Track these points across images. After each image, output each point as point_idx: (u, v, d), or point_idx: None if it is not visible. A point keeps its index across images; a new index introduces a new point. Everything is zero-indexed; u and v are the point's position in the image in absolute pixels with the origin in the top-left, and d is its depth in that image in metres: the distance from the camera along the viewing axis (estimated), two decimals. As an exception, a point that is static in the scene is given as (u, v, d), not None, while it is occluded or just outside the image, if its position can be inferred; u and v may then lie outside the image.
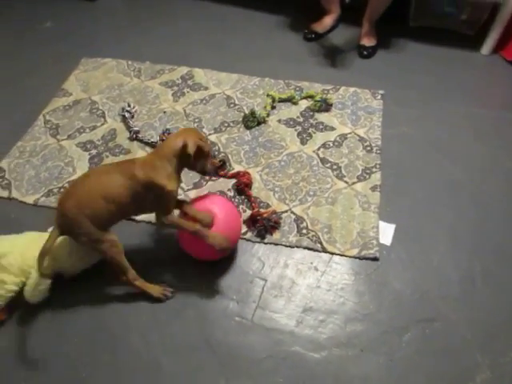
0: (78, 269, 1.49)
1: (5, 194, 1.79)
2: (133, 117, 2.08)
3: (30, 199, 1.76)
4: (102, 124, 2.07)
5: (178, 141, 1.34)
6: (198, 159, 1.39)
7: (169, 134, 1.94)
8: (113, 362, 1.37)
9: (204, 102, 2.17)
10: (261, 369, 1.36)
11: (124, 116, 2.06)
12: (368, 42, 2.44)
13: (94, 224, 1.32)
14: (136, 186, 1.33)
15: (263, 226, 1.63)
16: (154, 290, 1.47)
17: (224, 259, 1.58)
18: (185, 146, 1.33)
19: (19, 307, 1.44)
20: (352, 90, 2.21)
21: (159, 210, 1.39)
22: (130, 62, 2.39)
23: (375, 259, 1.59)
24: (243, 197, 1.77)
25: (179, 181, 1.41)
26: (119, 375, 1.35)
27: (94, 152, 1.94)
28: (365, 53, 2.42)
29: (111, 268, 1.42)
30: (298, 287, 1.53)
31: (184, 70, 2.34)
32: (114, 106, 2.15)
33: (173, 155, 1.34)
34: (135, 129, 1.99)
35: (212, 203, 1.47)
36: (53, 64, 2.40)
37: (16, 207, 1.74)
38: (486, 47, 2.42)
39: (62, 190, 1.79)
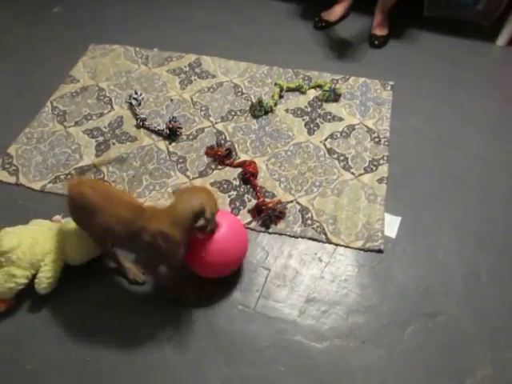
0: (84, 260, 1.51)
1: (12, 179, 1.80)
2: (140, 104, 2.07)
3: (36, 185, 1.78)
4: (109, 111, 2.07)
5: (194, 208, 1.24)
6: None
7: (175, 122, 1.93)
8: (116, 348, 1.39)
9: (211, 90, 2.15)
10: (263, 357, 1.37)
11: (131, 103, 2.05)
12: (380, 31, 2.40)
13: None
14: (141, 236, 1.25)
15: (268, 215, 1.63)
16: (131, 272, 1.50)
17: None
18: (204, 225, 1.25)
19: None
20: (362, 80, 2.18)
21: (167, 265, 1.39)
22: (137, 49, 2.37)
23: (380, 251, 1.58)
24: (248, 186, 1.76)
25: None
26: (122, 360, 1.37)
27: (100, 139, 1.95)
28: (376, 42, 2.38)
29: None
30: (302, 277, 1.53)
31: (192, 57, 2.32)
32: (122, 93, 2.15)
33: (185, 221, 1.24)
34: (142, 116, 1.99)
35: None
36: (60, 50, 2.39)
37: (23, 193, 1.76)
38: (502, 38, 2.37)
39: (68, 176, 1.80)
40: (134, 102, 2.05)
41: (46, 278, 1.42)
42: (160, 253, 1.26)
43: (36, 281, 1.43)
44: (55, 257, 1.45)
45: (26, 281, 1.42)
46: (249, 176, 1.76)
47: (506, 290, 1.50)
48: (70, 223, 1.49)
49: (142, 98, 2.11)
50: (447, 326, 1.43)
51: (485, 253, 1.59)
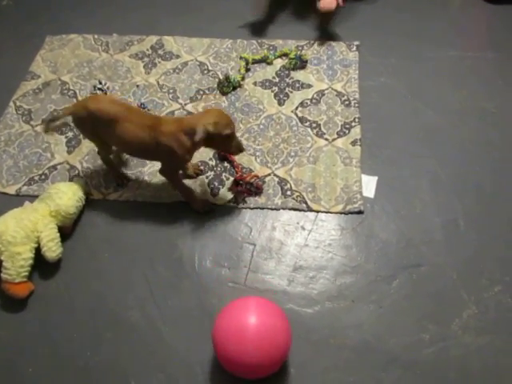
0: (78, 210, 1.62)
1: (-14, 186, 1.77)
2: (106, 94, 2.03)
3: (11, 190, 1.75)
4: (76, 105, 2.02)
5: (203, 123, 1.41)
6: (219, 141, 1.46)
7: (144, 108, 1.91)
8: (115, 338, 1.42)
9: (177, 71, 2.12)
10: (258, 328, 1.41)
11: (96, 94, 2.01)
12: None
13: None
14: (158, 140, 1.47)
15: (244, 191, 1.65)
16: None
17: (213, 226, 1.61)
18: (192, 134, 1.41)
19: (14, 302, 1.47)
20: (327, 43, 2.16)
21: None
22: (96, 36, 2.30)
23: (360, 213, 1.62)
24: (225, 164, 1.77)
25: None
26: (121, 350, 1.40)
27: (70, 135, 1.91)
28: None
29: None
30: (287, 248, 1.57)
31: (153, 39, 2.26)
32: (86, 84, 2.09)
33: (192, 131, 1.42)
34: (109, 106, 1.95)
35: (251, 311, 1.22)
36: (16, 45, 2.30)
37: (-1, 199, 1.74)
38: (460, -16, 2.36)
39: (42, 176, 1.78)
40: (99, 92, 2.00)
41: (51, 241, 1.48)
42: (172, 155, 1.47)
43: (44, 249, 1.47)
44: (47, 220, 1.50)
45: (31, 254, 1.47)
46: (224, 153, 1.76)
47: (484, 233, 1.56)
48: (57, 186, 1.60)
49: (108, 88, 2.06)
50: (431, 274, 1.49)
51: (461, 200, 1.64)
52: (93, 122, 1.51)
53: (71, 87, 2.09)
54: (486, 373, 1.31)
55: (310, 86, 2.00)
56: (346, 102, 1.92)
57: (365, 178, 1.70)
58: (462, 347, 1.35)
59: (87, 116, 1.50)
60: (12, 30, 2.39)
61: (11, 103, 2.04)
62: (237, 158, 1.77)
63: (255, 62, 2.10)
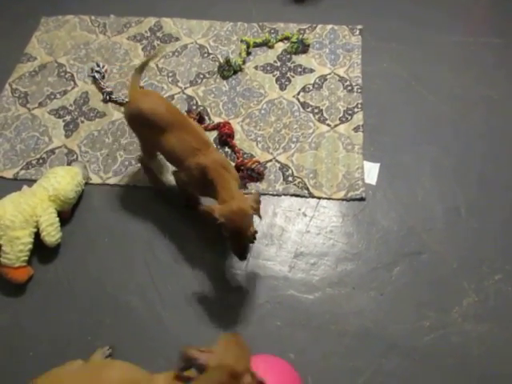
0: (77, 195, 1.60)
1: (-18, 170, 1.75)
2: (104, 77, 1.99)
3: (9, 174, 1.73)
4: (73, 88, 1.98)
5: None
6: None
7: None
8: (115, 323, 1.42)
9: (176, 54, 2.07)
10: (259, 314, 1.42)
11: (94, 77, 1.97)
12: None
13: None
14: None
15: (245, 176, 1.63)
16: None
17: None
18: None
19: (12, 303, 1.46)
20: (329, 27, 2.12)
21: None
22: (93, 18, 2.24)
23: (362, 199, 1.61)
24: (226, 149, 1.75)
25: None
26: (121, 335, 1.40)
27: (68, 118, 1.88)
28: None
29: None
30: (288, 234, 1.56)
31: (152, 20, 2.21)
32: (83, 66, 2.05)
33: None
34: (108, 90, 1.91)
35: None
36: (11, 27, 2.25)
37: (-4, 183, 1.71)
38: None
39: (40, 160, 1.75)
40: (97, 75, 1.96)
41: (50, 226, 1.47)
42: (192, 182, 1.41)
43: (43, 234, 1.46)
44: (45, 205, 1.48)
45: (30, 239, 1.45)
46: (225, 138, 1.74)
47: (485, 222, 1.56)
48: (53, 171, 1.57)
49: (106, 70, 2.02)
50: (431, 262, 1.49)
51: (463, 188, 1.63)
52: (142, 122, 1.43)
53: (68, 70, 2.05)
54: (485, 360, 1.31)
55: (312, 70, 1.97)
56: (349, 88, 1.89)
57: (367, 164, 1.68)
58: (461, 335, 1.35)
59: (138, 114, 1.42)
60: (6, 11, 2.32)
61: (7, 86, 2.00)
62: (238, 144, 1.75)
63: (256, 45, 2.06)
